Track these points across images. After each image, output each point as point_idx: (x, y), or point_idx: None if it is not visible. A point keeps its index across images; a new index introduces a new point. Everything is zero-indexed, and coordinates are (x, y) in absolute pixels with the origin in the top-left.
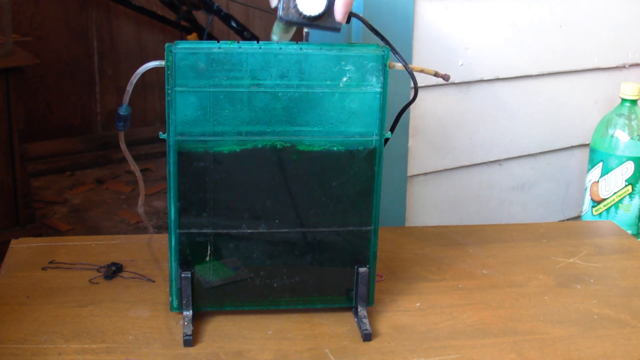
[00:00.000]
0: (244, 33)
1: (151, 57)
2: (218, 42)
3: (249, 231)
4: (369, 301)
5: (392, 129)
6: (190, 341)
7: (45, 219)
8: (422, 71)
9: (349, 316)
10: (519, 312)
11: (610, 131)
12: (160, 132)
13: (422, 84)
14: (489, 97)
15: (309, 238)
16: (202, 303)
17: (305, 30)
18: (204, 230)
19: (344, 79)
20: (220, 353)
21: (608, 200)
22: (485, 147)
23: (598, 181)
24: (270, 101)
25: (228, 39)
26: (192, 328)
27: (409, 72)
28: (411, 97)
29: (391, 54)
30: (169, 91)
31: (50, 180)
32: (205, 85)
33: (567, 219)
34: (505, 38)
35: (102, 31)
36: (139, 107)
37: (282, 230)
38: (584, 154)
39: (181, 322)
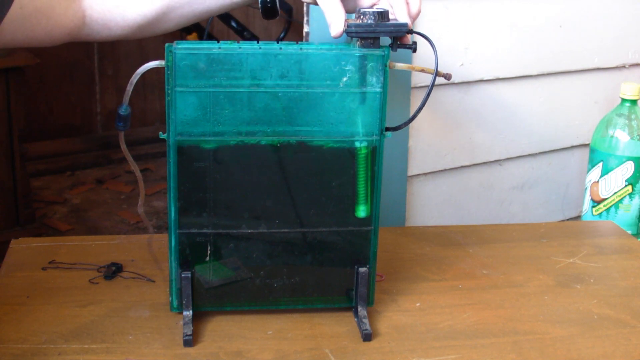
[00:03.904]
0: (244, 33)
1: (151, 57)
2: (218, 42)
3: (249, 231)
4: (369, 301)
5: (396, 128)
6: (190, 341)
7: (45, 219)
8: (422, 70)
9: (349, 316)
10: (519, 312)
11: (610, 131)
12: (160, 132)
13: (422, 84)
14: (489, 97)
15: (309, 238)
16: (202, 303)
17: (306, 30)
18: (204, 230)
19: (344, 79)
20: (220, 353)
21: (608, 200)
22: (485, 147)
23: (598, 181)
24: (270, 101)
25: (228, 39)
26: (192, 328)
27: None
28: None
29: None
30: (169, 91)
31: (50, 180)
32: (205, 85)
33: (567, 219)
34: (505, 38)
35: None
36: (139, 107)
37: (282, 230)
38: (584, 154)
39: (181, 322)
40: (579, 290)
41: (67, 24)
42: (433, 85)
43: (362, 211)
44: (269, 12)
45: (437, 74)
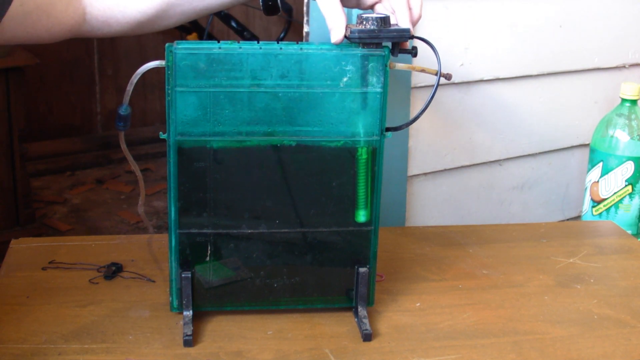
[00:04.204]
0: (244, 33)
1: (151, 57)
2: (218, 42)
3: (249, 231)
4: (369, 301)
5: (397, 128)
6: (190, 341)
7: (45, 219)
8: (423, 71)
9: (349, 316)
10: (519, 312)
11: (610, 131)
12: (161, 132)
13: (422, 84)
14: (489, 97)
15: (309, 238)
16: (202, 303)
17: (306, 30)
18: (204, 230)
19: (344, 79)
20: (220, 353)
21: (608, 200)
22: (485, 147)
23: (598, 181)
24: (271, 101)
25: (228, 39)
26: (192, 328)
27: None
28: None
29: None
30: (169, 91)
31: (50, 180)
32: (206, 85)
33: (567, 219)
34: (505, 38)
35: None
36: (139, 107)
37: (282, 230)
38: (584, 154)
39: (181, 322)
40: (579, 290)
41: (68, 21)
42: (436, 89)
43: (362, 216)
44: (270, 9)
45: (439, 78)
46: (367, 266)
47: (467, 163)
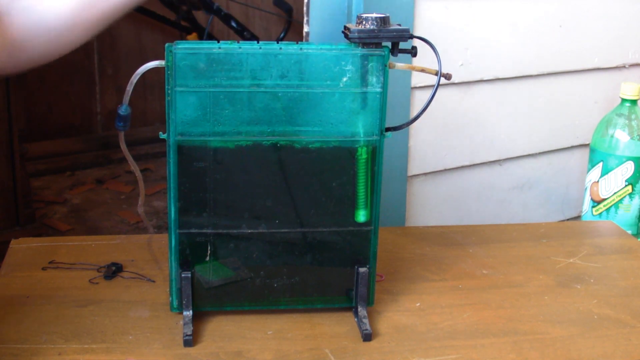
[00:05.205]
0: (244, 33)
1: (151, 57)
2: (218, 42)
3: (249, 231)
4: (369, 301)
5: (395, 128)
6: (190, 341)
7: (45, 219)
8: (422, 71)
9: (349, 316)
10: (519, 312)
11: (610, 131)
12: (160, 132)
13: (422, 84)
14: (489, 97)
15: (309, 238)
16: (202, 303)
17: (306, 30)
18: (204, 230)
19: (344, 79)
20: (220, 353)
21: (608, 200)
22: (485, 147)
23: (598, 181)
24: (271, 101)
25: (228, 39)
26: (192, 328)
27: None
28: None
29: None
30: (169, 91)
31: (50, 180)
32: (205, 85)
33: (567, 219)
34: (505, 38)
35: (102, 31)
36: (139, 107)
37: (282, 230)
38: (584, 154)
39: (181, 322)
40: (579, 290)
41: None
42: (436, 89)
43: (362, 216)
44: None
45: (440, 78)
46: (367, 266)
47: (467, 163)
